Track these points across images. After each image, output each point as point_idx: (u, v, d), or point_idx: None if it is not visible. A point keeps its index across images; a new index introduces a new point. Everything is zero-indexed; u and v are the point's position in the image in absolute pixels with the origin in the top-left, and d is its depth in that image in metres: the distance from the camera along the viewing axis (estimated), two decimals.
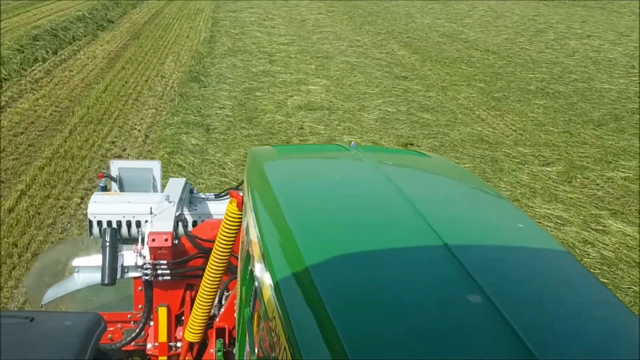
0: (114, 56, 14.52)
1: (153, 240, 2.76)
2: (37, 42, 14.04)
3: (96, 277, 2.90)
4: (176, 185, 3.25)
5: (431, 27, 23.05)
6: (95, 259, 2.98)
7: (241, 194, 2.53)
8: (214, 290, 2.82)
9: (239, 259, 2.58)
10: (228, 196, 2.98)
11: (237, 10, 24.53)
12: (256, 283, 1.93)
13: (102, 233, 3.07)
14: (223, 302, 3.15)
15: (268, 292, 1.70)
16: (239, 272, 2.54)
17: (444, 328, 1.55)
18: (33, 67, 12.73)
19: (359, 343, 1.43)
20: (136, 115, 10.36)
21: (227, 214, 2.62)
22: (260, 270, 1.85)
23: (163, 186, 3.46)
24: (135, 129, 9.72)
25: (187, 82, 12.52)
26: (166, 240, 2.76)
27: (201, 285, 2.82)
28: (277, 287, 1.63)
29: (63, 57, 14.01)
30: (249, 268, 2.09)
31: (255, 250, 1.96)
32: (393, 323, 1.54)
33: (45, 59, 13.41)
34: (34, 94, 10.98)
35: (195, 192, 3.53)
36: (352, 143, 2.87)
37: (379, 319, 1.55)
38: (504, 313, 1.54)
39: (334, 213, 2.10)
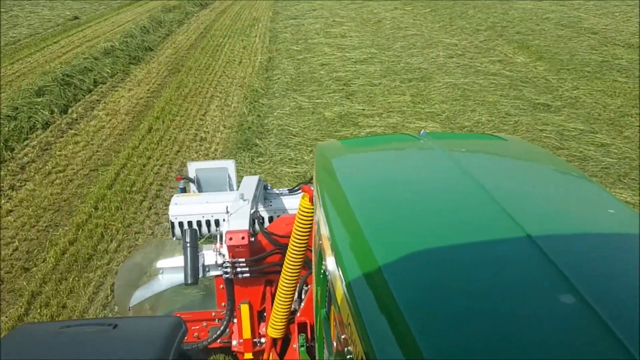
0: (143, 107, 10.46)
1: (230, 238, 2.68)
2: (40, 99, 10.15)
3: (179, 277, 2.81)
4: (250, 182, 3.14)
5: (537, 13, 17.95)
6: (178, 260, 2.88)
7: (312, 188, 2.39)
8: (293, 285, 2.67)
9: (313, 254, 2.38)
10: (301, 191, 2.70)
11: (299, 15, 20.13)
12: (329, 281, 1.78)
13: (183, 234, 2.95)
14: (303, 296, 3.02)
15: (341, 291, 1.57)
16: (313, 268, 2.36)
17: (530, 332, 1.32)
18: (26, 142, 8.87)
19: (434, 344, 1.30)
20: (148, 234, 6.23)
21: (300, 209, 2.48)
22: (332, 268, 1.70)
23: (238, 184, 3.35)
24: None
25: (235, 148, 8.28)
26: (243, 238, 2.67)
27: (280, 281, 2.68)
28: (349, 286, 1.50)
29: (75, 115, 10.05)
30: (322, 265, 1.94)
31: (327, 247, 1.81)
32: (470, 323, 1.37)
33: (48, 123, 9.50)
34: (10, 199, 7.12)
35: (269, 188, 3.34)
36: (422, 131, 2.58)
37: (454, 320, 1.38)
38: (601, 314, 1.32)
39: (405, 207, 1.91)
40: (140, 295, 3.12)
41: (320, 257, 2.01)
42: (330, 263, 1.75)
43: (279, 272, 2.72)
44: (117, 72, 12.76)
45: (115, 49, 14.01)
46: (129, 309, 3.12)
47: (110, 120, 9.98)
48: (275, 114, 9.77)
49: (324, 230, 1.88)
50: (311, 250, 2.56)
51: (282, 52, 14.66)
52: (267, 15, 20.80)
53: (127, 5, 24.33)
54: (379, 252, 1.56)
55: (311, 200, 2.44)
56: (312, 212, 2.44)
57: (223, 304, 3.12)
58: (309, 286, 2.98)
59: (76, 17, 20.92)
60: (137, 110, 10.41)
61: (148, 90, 11.68)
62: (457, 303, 1.42)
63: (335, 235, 1.74)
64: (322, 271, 2.00)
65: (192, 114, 10.06)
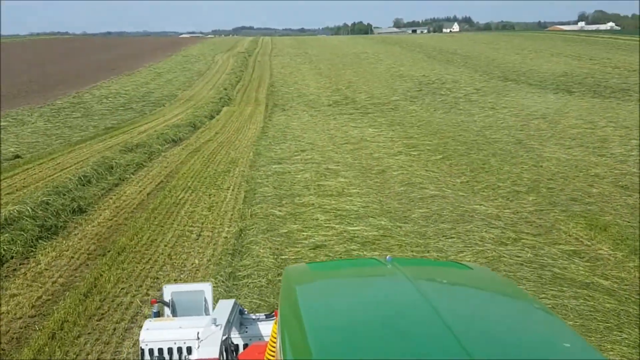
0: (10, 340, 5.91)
1: None
2: None
3: None
4: (225, 307, 2.95)
5: (578, 166, 14.02)
6: None
7: None
8: None
9: None
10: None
11: (284, 158, 16.05)
12: None
13: None
14: None
15: None
16: None
17: None
18: None
19: None
20: None
21: (272, 335, 2.44)
22: None
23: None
24: None
25: None
26: None
27: None
28: None
29: None
30: None
31: None
32: None
33: None
34: None
35: (246, 313, 3.19)
36: (388, 257, 2.60)
37: None
38: None
39: (359, 334, 1.91)
40: None
41: None
42: None
43: None
44: (11, 257, 8.25)
45: (23, 216, 9.49)
46: None
47: None
48: None
49: (279, 356, 1.84)
50: None
51: (258, 220, 10.25)
52: (247, 156, 16.73)
53: (89, 140, 20.31)
54: None
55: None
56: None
57: None
58: None
59: (17, 156, 16.75)
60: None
61: (37, 301, 7.04)
62: None
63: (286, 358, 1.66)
64: None
65: None
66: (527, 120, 22.83)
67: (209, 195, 12.26)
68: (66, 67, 49.52)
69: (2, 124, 23.82)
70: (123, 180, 13.67)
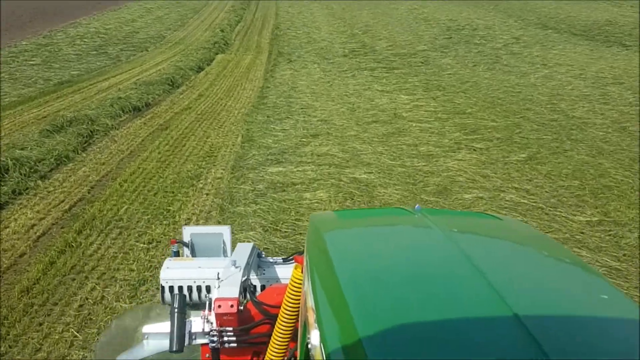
0: None
1: (219, 306, 2.34)
2: None
3: (165, 343, 2.45)
4: (244, 249, 2.74)
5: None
6: (165, 326, 2.50)
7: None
8: (280, 358, 2.31)
9: (299, 326, 2.11)
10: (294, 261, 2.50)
11: (287, 150, 10.19)
12: (312, 353, 1.60)
13: (172, 299, 2.58)
14: None
15: None
16: (298, 340, 2.09)
17: None
18: None
19: None
20: None
21: (291, 279, 2.20)
22: (315, 343, 1.53)
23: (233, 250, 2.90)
24: None
25: None
26: (232, 306, 2.34)
27: (267, 352, 2.32)
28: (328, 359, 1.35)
29: None
30: (307, 338, 1.72)
31: (311, 320, 1.63)
32: None
33: None
34: None
35: (263, 256, 2.91)
36: (417, 206, 2.33)
37: None
38: None
39: (393, 284, 1.68)
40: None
41: (305, 330, 1.76)
42: (314, 336, 1.54)
43: (267, 344, 2.32)
44: None
45: None
46: None
47: None
48: None
49: (310, 303, 1.67)
50: None
51: None
52: (231, 144, 10.80)
53: (20, 105, 14.30)
54: (363, 329, 1.36)
55: (303, 271, 2.08)
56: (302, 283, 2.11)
57: None
58: None
59: None
60: None
61: None
62: None
63: (320, 308, 1.54)
64: (305, 344, 1.72)
65: None
66: (601, 85, 16.66)
67: (140, 249, 6.45)
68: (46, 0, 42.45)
69: None
70: (10, 199, 7.77)
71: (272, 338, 2.29)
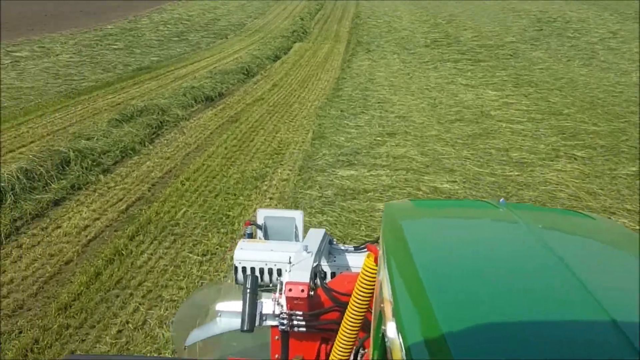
0: None
1: (290, 290, 2.32)
2: None
3: (236, 322, 2.43)
4: (316, 235, 2.71)
5: None
6: (237, 305, 2.48)
7: (378, 248, 2.06)
8: (349, 347, 2.27)
9: (372, 317, 2.02)
10: (366, 250, 2.42)
11: (360, 150, 9.29)
12: (388, 345, 1.50)
13: (244, 279, 2.56)
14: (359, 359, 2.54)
15: (399, 357, 1.32)
16: (372, 331, 2.00)
17: None
18: None
19: None
20: None
21: (364, 268, 2.13)
22: (392, 334, 1.43)
23: (305, 235, 2.90)
24: None
25: None
26: (302, 290, 2.31)
27: (336, 340, 2.27)
28: (408, 353, 1.25)
29: None
30: (382, 329, 1.62)
31: (388, 311, 1.54)
32: None
33: None
34: None
35: (334, 243, 2.87)
36: (502, 200, 2.22)
37: None
38: None
39: (477, 278, 1.56)
40: (196, 335, 2.68)
41: (380, 321, 1.67)
42: (390, 328, 1.46)
43: (336, 331, 2.28)
44: None
45: None
46: (184, 348, 2.70)
47: None
48: None
49: (387, 293, 1.58)
50: (372, 312, 2.14)
51: None
52: (301, 141, 10.04)
53: (97, 90, 14.17)
54: (445, 322, 1.27)
55: (376, 260, 2.07)
56: (376, 273, 2.05)
57: (277, 356, 2.60)
58: (366, 350, 2.38)
59: None
60: None
61: None
62: None
63: (398, 299, 1.46)
64: (380, 335, 1.64)
65: None
66: None
67: (192, 262, 5.76)
68: None
69: (16, 54, 18.05)
70: (47, 207, 7.27)
71: (341, 326, 2.22)
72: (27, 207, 6.62)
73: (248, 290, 2.42)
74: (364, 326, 2.22)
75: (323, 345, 2.59)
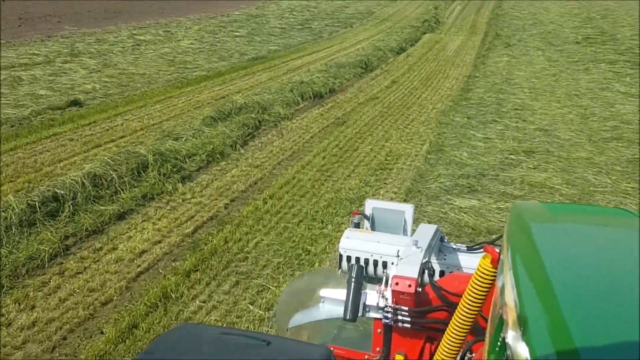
0: None
1: (396, 283, 2.28)
2: None
3: (339, 310, 2.41)
4: (427, 231, 2.67)
5: None
6: (341, 293, 2.47)
7: (497, 250, 1.93)
8: (456, 349, 2.20)
9: (489, 321, 1.90)
10: (481, 250, 2.48)
11: (484, 172, 7.61)
12: (508, 352, 1.42)
13: (349, 268, 2.60)
14: None
15: None
16: (487, 336, 1.89)
17: None
18: None
19: None
20: None
21: (479, 270, 2.00)
22: (514, 340, 1.36)
23: (413, 230, 2.88)
24: None
25: None
26: (409, 285, 2.27)
27: (442, 341, 2.20)
28: None
29: None
30: (501, 334, 1.54)
31: (511, 316, 1.44)
32: None
33: None
34: None
35: (446, 241, 2.78)
36: None
37: None
38: None
39: (614, 292, 1.42)
40: (299, 318, 2.69)
41: (499, 326, 1.57)
42: (513, 336, 1.38)
43: (443, 331, 2.21)
44: None
45: None
46: (287, 329, 2.71)
47: None
48: None
49: (510, 299, 1.48)
50: (483, 317, 2.12)
51: None
52: (414, 155, 8.52)
53: (205, 80, 13.54)
54: (579, 339, 1.18)
55: (493, 262, 1.93)
56: (493, 276, 1.95)
57: (378, 349, 2.55)
58: (473, 354, 2.33)
59: (76, 102, 10.41)
60: None
61: None
62: None
63: (526, 309, 1.35)
64: (498, 343, 1.56)
65: None
66: None
67: (250, 319, 4.54)
68: None
69: (140, 37, 18.09)
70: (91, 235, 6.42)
71: (449, 327, 2.14)
72: (86, 221, 5.79)
73: (353, 280, 2.37)
74: (473, 329, 2.13)
75: (427, 344, 2.52)
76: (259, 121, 9.53)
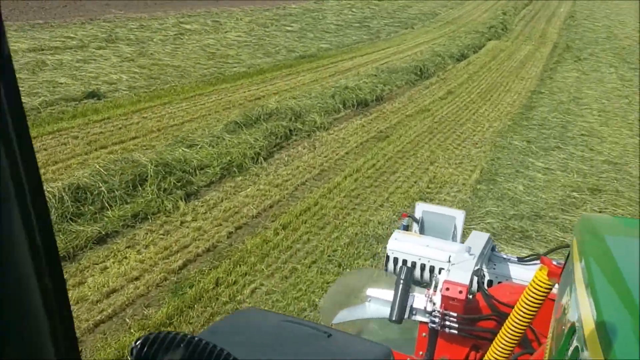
0: None
1: (447, 289, 2.26)
2: None
3: (385, 311, 2.42)
4: (480, 238, 2.65)
5: None
6: (388, 294, 2.45)
7: (554, 262, 1.94)
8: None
9: (550, 336, 1.86)
10: (534, 261, 2.56)
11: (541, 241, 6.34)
12: None
13: (397, 270, 2.65)
14: None
15: None
16: (547, 351, 1.81)
17: None
18: None
19: None
20: None
21: (534, 282, 2.00)
22: (592, 354, 1.26)
23: (463, 237, 2.92)
24: None
25: None
26: (460, 292, 2.24)
27: (490, 350, 2.17)
28: None
29: None
30: (568, 348, 1.46)
31: (587, 329, 1.35)
32: None
33: None
34: None
35: (496, 250, 2.76)
36: None
37: None
38: None
39: None
40: (344, 315, 2.65)
41: (566, 343, 1.50)
42: (589, 353, 1.28)
43: (490, 340, 2.20)
44: None
45: None
46: (331, 325, 2.58)
47: None
48: None
49: (585, 312, 1.39)
50: (531, 328, 2.17)
51: None
52: (466, 180, 7.32)
53: (240, 79, 12.61)
54: None
55: (549, 275, 1.94)
56: (548, 288, 1.96)
57: (421, 352, 2.57)
58: None
59: (94, 95, 9.67)
60: None
61: None
62: None
63: (606, 321, 1.26)
64: (567, 354, 1.46)
65: None
66: None
67: None
68: None
69: (186, 26, 17.37)
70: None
71: (498, 337, 2.10)
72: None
73: (402, 281, 2.33)
74: (522, 342, 2.09)
75: (472, 352, 2.47)
76: (290, 130, 8.50)
